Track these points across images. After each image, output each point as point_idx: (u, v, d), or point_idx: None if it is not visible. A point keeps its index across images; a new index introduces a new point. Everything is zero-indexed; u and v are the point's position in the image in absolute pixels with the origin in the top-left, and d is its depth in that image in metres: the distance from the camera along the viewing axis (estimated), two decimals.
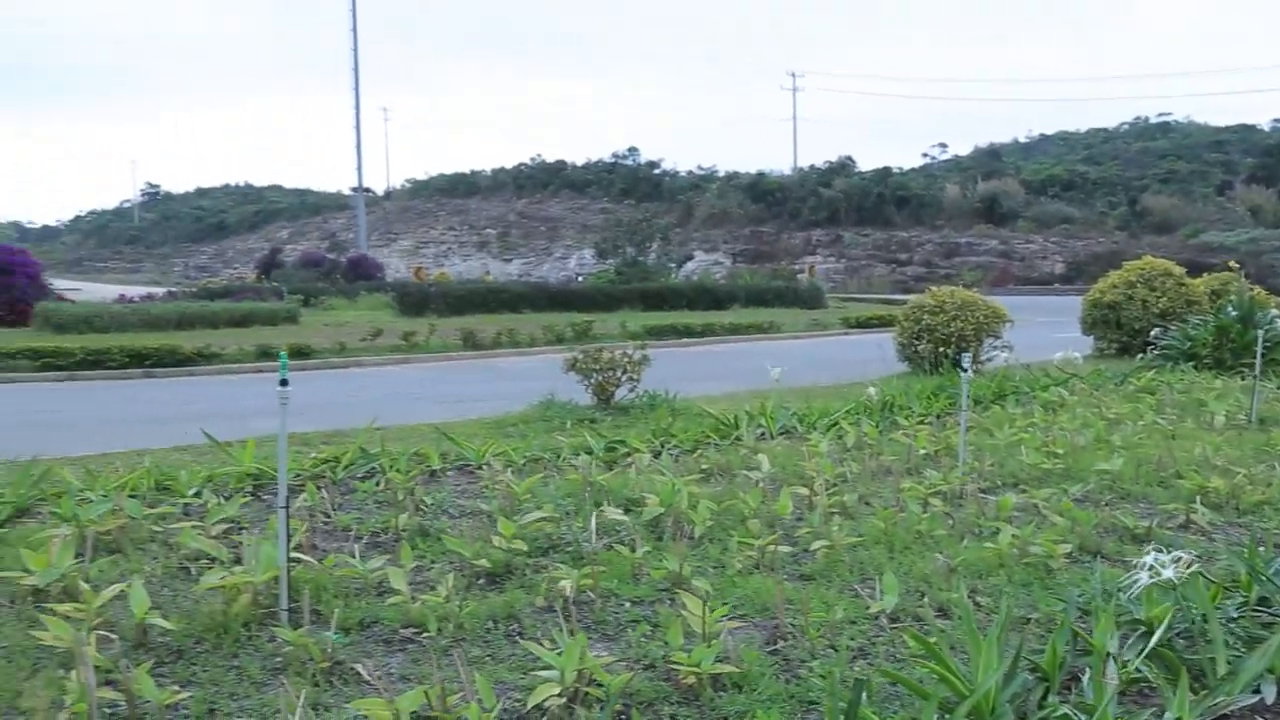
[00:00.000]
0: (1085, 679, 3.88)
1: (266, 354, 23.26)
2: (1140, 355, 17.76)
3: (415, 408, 14.07)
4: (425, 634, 4.69)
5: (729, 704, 3.92)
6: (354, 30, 75.39)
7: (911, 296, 21.48)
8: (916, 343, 17.33)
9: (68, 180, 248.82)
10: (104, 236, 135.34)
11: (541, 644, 4.20)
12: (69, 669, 4.14)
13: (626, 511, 6.47)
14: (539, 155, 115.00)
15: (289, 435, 10.45)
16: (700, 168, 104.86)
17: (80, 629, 4.32)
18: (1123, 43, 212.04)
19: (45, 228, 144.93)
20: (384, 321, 33.04)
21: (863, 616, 4.81)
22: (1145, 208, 79.10)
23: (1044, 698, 3.79)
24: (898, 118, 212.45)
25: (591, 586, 5.06)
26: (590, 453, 8.54)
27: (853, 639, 4.57)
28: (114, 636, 4.50)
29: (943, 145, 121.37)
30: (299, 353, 23.61)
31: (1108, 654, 3.91)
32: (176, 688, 4.01)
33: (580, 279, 62.02)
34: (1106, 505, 7.07)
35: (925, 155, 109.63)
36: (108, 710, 3.85)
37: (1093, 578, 5.20)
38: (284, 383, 4.81)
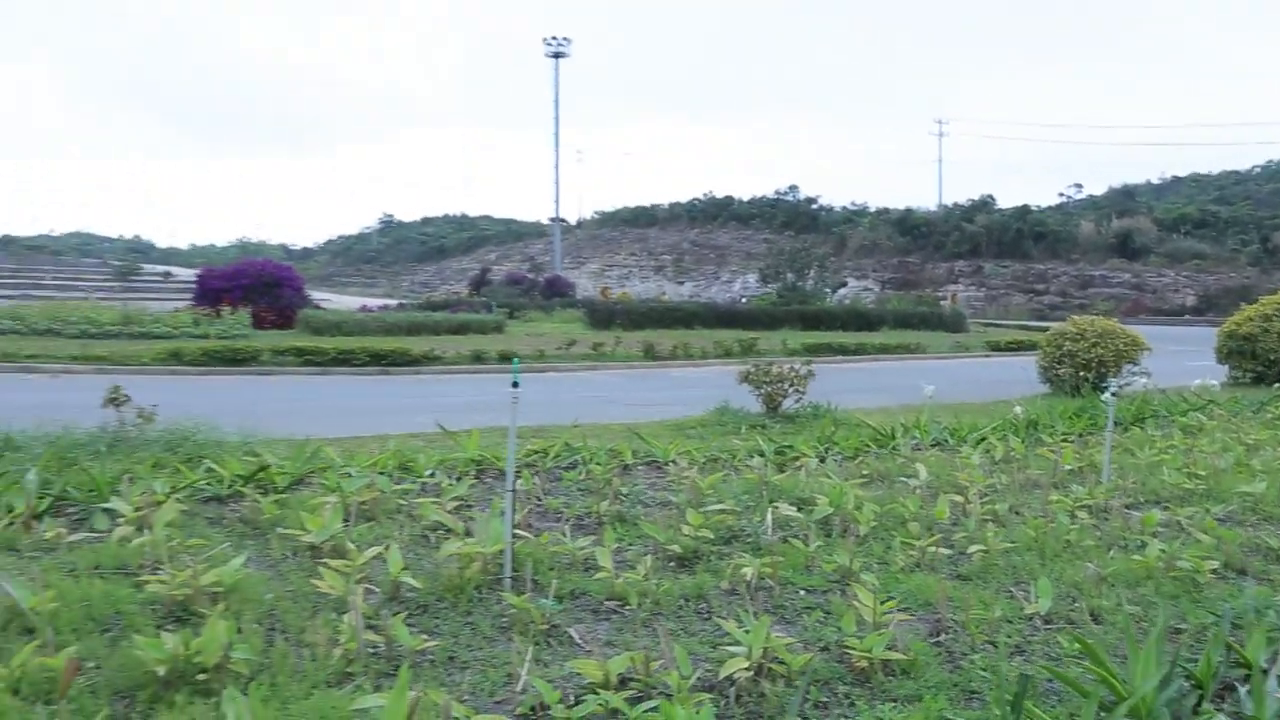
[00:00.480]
0: (1243, 691, 3.64)
1: (479, 358, 23.95)
2: (1276, 384, 16.70)
3: (605, 409, 14.26)
4: (627, 606, 4.74)
5: (898, 688, 3.85)
6: (555, 84, 77.36)
7: (1050, 324, 20.69)
8: (1058, 366, 16.67)
9: (322, 210, 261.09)
10: (348, 257, 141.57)
11: (729, 622, 4.22)
12: (340, 613, 4.36)
13: (799, 509, 6.41)
14: (710, 191, 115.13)
15: (505, 428, 10.76)
16: (853, 204, 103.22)
17: (348, 581, 4.54)
18: (1255, 89, 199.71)
19: (304, 249, 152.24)
20: (576, 333, 33.60)
21: (1018, 617, 4.65)
22: (1277, 245, 74.34)
23: (1198, 705, 3.61)
24: (1036, 159, 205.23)
25: (770, 574, 5.03)
26: (762, 455, 8.49)
27: (1009, 637, 4.41)
28: (374, 589, 4.70)
29: (1078, 185, 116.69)
30: (506, 358, 24.21)
31: (1263, 669, 3.67)
32: (425, 636, 4.16)
33: (745, 300, 61.79)
34: (1250, 526, 6.66)
35: (1061, 195, 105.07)
36: (370, 649, 4.02)
37: (1243, 594, 4.91)
38: (515, 384, 4.96)
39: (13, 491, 6.09)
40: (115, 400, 8.01)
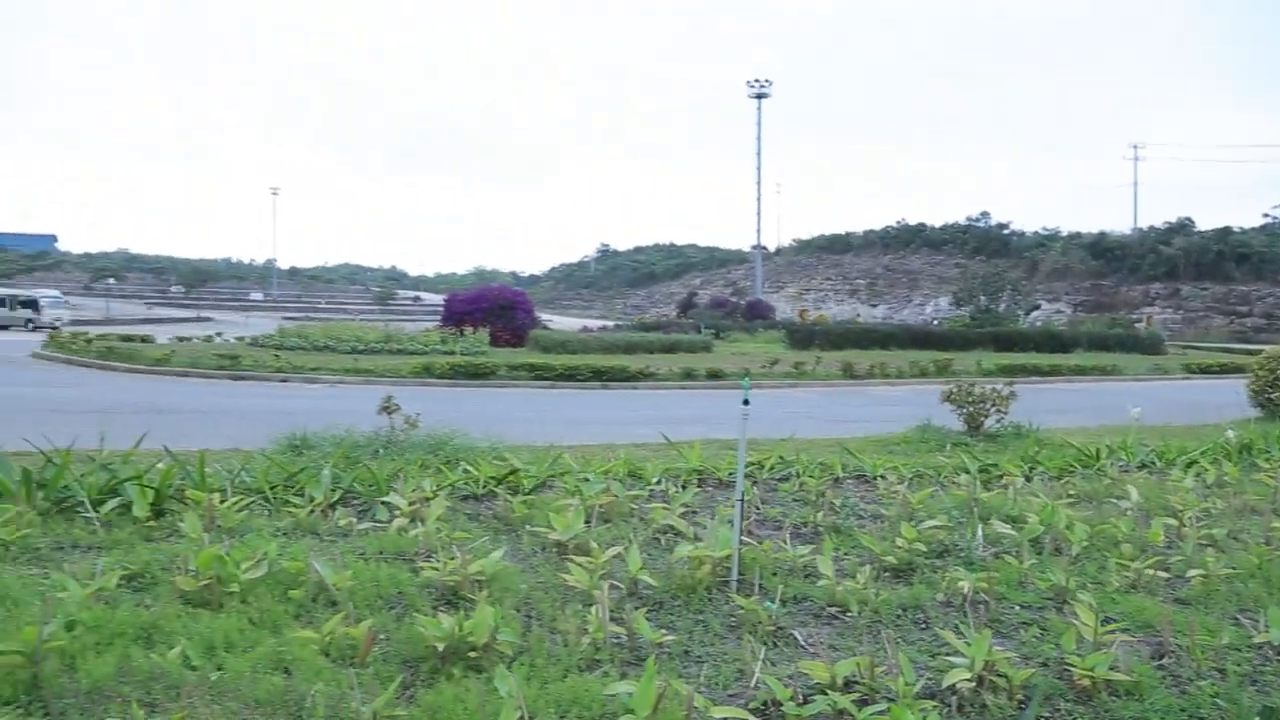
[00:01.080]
0: None
1: (689, 375, 24.14)
2: None
3: (808, 424, 14.09)
4: (847, 613, 4.65)
5: (1123, 709, 3.59)
6: (758, 123, 77.50)
7: (1255, 347, 18.92)
8: (1271, 390, 15.28)
9: (546, 240, 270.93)
10: (569, 282, 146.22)
11: (948, 633, 4.07)
12: (587, 605, 4.48)
13: (1010, 526, 6.10)
14: (903, 219, 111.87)
15: (722, 440, 10.78)
16: (1044, 228, 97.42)
17: (593, 577, 4.66)
18: None
19: (531, 276, 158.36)
20: (778, 353, 33.36)
21: (1246, 645, 4.25)
22: None
23: None
24: (1237, 181, 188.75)
25: (986, 590, 4.82)
26: (968, 472, 8.16)
27: (1239, 666, 4.04)
28: (617, 585, 4.80)
29: None
30: (714, 375, 24.32)
31: None
32: (663, 631, 4.21)
33: (937, 323, 59.68)
34: None
35: (1266, 215, 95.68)
36: (615, 640, 4.10)
37: None
38: (746, 402, 4.96)
39: (312, 484, 6.60)
40: (388, 409, 8.55)
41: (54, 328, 39.24)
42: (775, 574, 5.15)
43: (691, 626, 4.44)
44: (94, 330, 34.67)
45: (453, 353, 28.25)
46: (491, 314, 36.41)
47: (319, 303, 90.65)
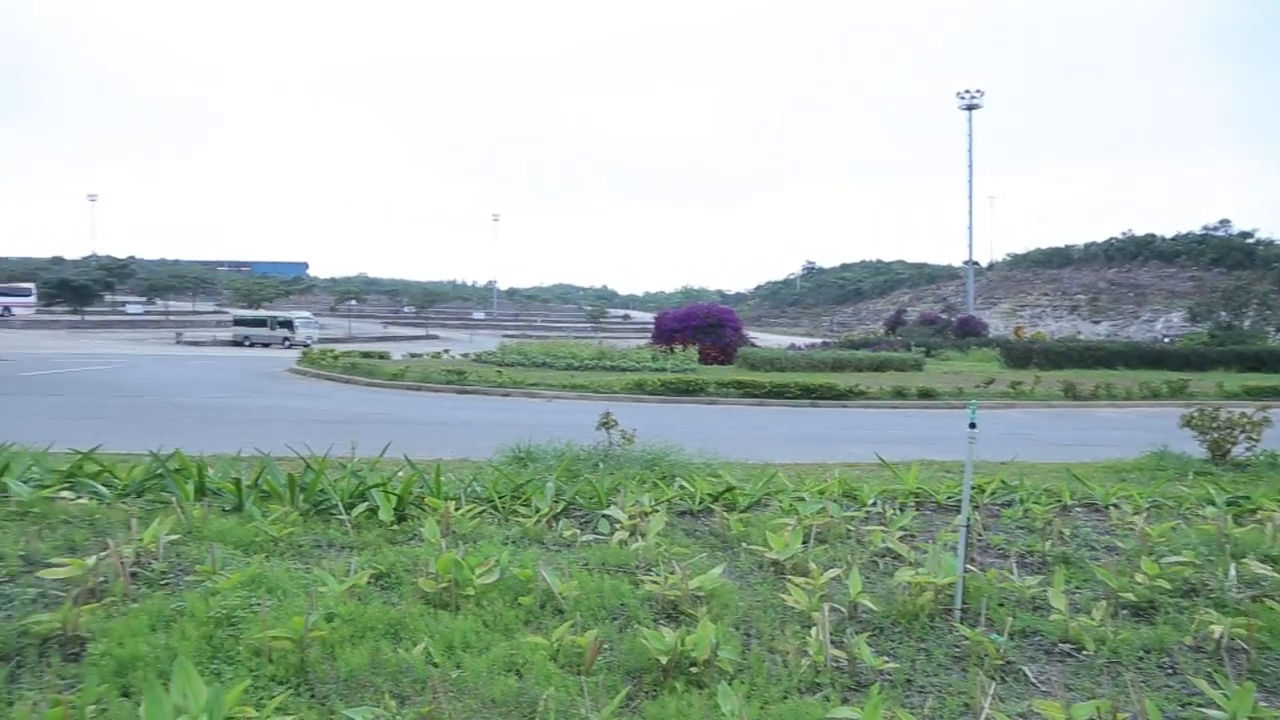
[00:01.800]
0: None
1: (900, 393, 23.40)
2: None
3: (1028, 447, 13.30)
4: (1082, 651, 4.33)
5: None
6: (969, 135, 74.44)
7: None
8: None
9: (751, 259, 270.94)
10: (775, 300, 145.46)
11: (1201, 681, 3.71)
12: (805, 626, 4.41)
13: (1272, 567, 5.51)
14: (1129, 230, 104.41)
15: (939, 462, 10.38)
16: None
17: (812, 598, 4.58)
18: None
19: (737, 293, 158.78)
20: (992, 371, 31.83)
21: None
22: None
23: None
24: None
25: (1244, 636, 4.36)
26: (1213, 504, 7.46)
27: None
28: (837, 608, 4.69)
29: None
30: (926, 394, 23.47)
31: None
32: (885, 658, 4.08)
33: (1169, 340, 55.13)
34: None
35: None
36: (834, 664, 4.01)
37: None
38: (972, 425, 4.74)
39: (538, 496, 6.86)
40: (606, 425, 8.77)
41: (306, 345, 42.91)
42: (1002, 605, 4.88)
43: (914, 655, 4.28)
44: (339, 347, 37.64)
45: (663, 369, 28.68)
46: (700, 331, 36.73)
47: (535, 321, 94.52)
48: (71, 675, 3.70)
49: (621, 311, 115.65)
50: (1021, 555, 6.06)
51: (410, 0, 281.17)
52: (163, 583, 4.82)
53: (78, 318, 67.66)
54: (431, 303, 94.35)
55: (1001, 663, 4.17)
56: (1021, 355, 37.12)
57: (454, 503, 6.43)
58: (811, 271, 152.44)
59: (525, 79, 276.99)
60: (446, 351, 40.27)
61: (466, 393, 23.73)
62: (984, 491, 7.90)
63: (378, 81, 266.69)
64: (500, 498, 6.95)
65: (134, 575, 4.81)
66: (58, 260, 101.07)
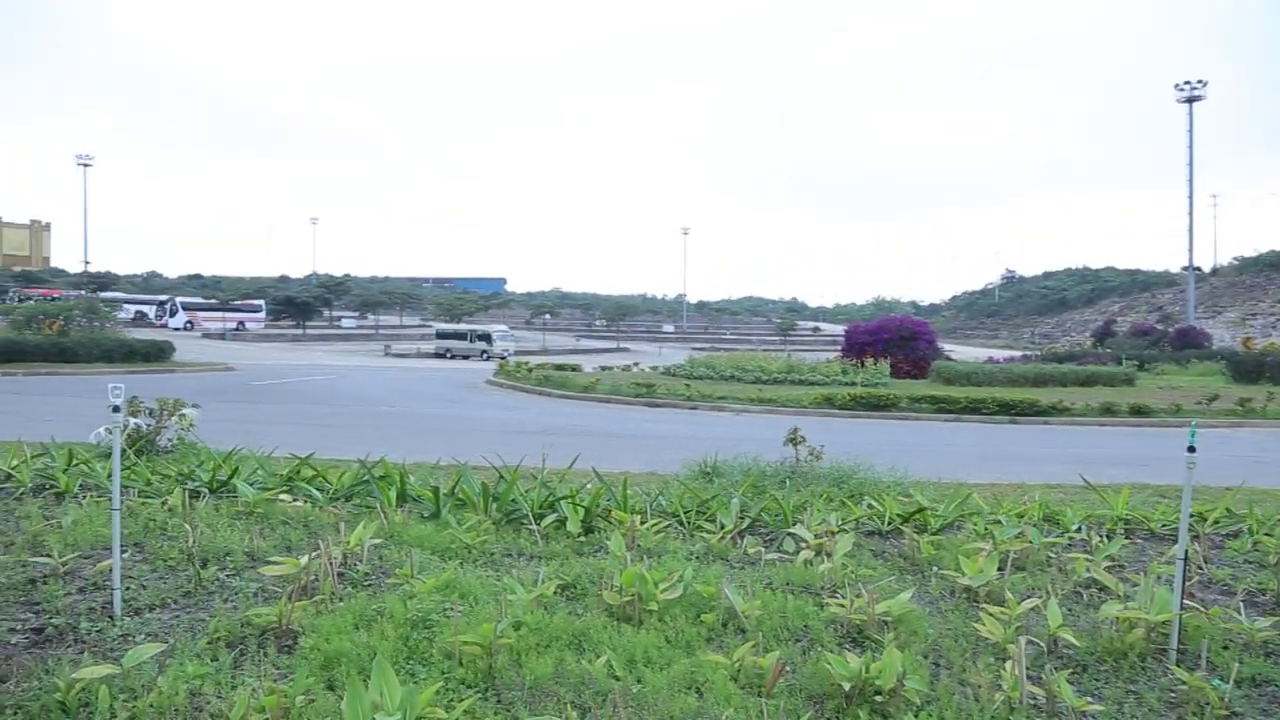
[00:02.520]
0: None
1: (1109, 410, 21.89)
2: None
3: (1259, 471, 12.14)
4: None
5: None
6: (1190, 129, 68.85)
7: None
8: None
9: (945, 268, 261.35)
10: (971, 311, 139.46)
11: None
12: (1000, 659, 4.18)
13: None
14: None
15: (1152, 485, 9.64)
16: None
17: (1008, 629, 4.34)
18: None
19: (930, 305, 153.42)
20: (1216, 386, 29.28)
21: None
22: None
23: None
24: None
25: None
26: None
27: None
28: (1034, 641, 4.42)
29: None
30: (1138, 411, 21.88)
31: None
32: (1088, 698, 3.80)
33: None
34: None
35: None
36: (1031, 700, 3.77)
37: None
38: (1191, 449, 4.37)
39: (723, 511, 6.85)
40: (794, 441, 8.65)
41: (503, 358, 44.75)
42: (1226, 648, 4.45)
43: (1121, 697, 3.96)
44: (533, 360, 39.04)
45: (853, 383, 28.07)
46: (892, 344, 35.77)
47: (724, 334, 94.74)
48: (285, 666, 3.98)
49: (811, 324, 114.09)
50: (1250, 593, 5.52)
51: (584, 19, 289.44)
52: (366, 584, 5.12)
53: (300, 331, 73.34)
54: (622, 316, 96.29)
55: (1226, 714, 3.80)
56: (1251, 369, 33.90)
57: (640, 516, 6.51)
58: (1011, 280, 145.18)
59: (715, 95, 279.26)
60: (636, 364, 40.97)
61: (655, 406, 24.03)
62: (1205, 520, 7.25)
63: (579, 101, 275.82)
64: (685, 513, 6.97)
65: (340, 575, 5.14)
66: (284, 279, 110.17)
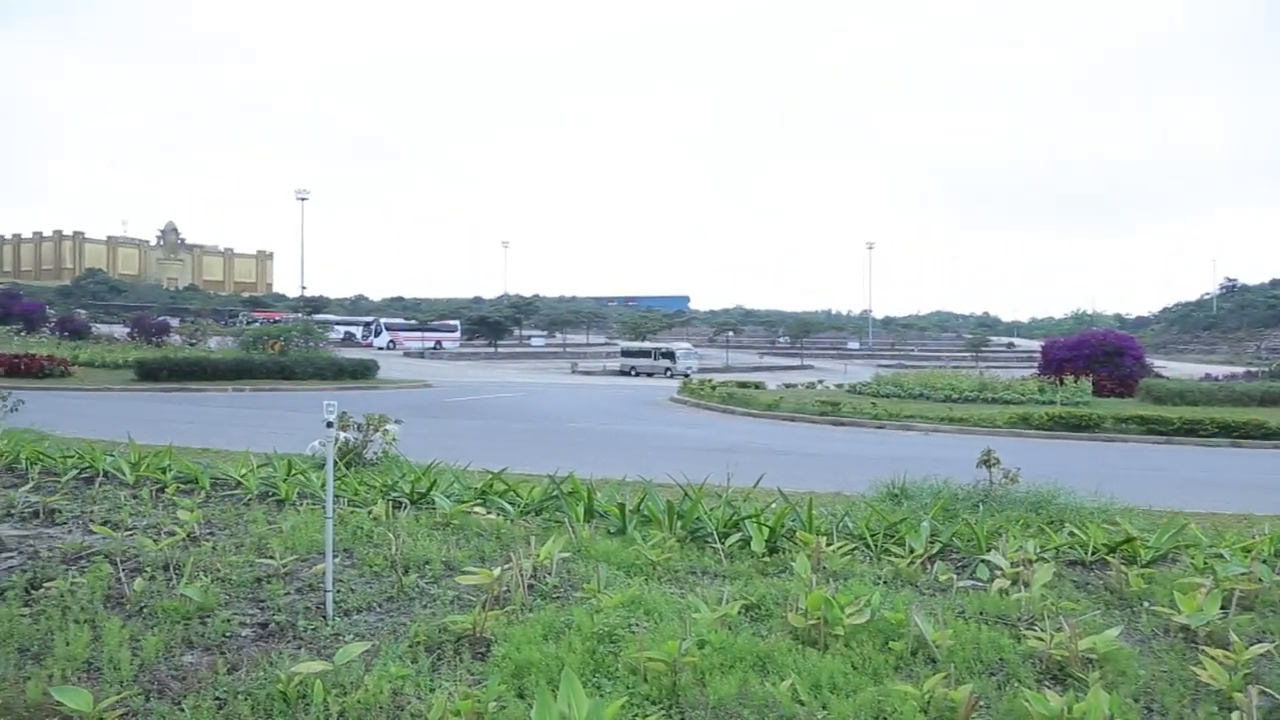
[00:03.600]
0: None
1: None
2: None
3: None
4: None
5: None
6: None
7: None
8: None
9: (1154, 279, 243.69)
10: (1185, 324, 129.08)
11: None
12: (1224, 709, 3.83)
13: None
14: None
15: None
16: None
17: (1233, 676, 3.97)
18: None
19: (1138, 318, 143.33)
20: None
21: None
22: None
23: None
24: None
25: None
26: None
27: None
28: (1267, 692, 4.02)
29: None
30: None
31: None
32: None
33: None
34: None
35: None
36: None
37: None
38: None
39: (912, 535, 6.62)
40: (987, 462, 8.27)
41: (686, 375, 45.14)
42: None
43: None
44: (716, 377, 39.13)
45: (1052, 402, 26.60)
46: (1094, 361, 33.68)
47: (911, 350, 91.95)
48: (478, 672, 4.13)
49: (1004, 340, 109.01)
50: None
51: (752, 44, 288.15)
52: (554, 596, 5.26)
53: (492, 349, 76.58)
54: (806, 333, 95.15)
55: None
56: None
57: (825, 538, 6.39)
58: (1232, 290, 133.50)
59: (902, 110, 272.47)
60: (820, 382, 40.36)
61: (840, 424, 23.59)
62: None
63: (768, 123, 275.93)
64: (872, 535, 6.79)
65: (530, 587, 5.30)
66: (477, 300, 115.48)
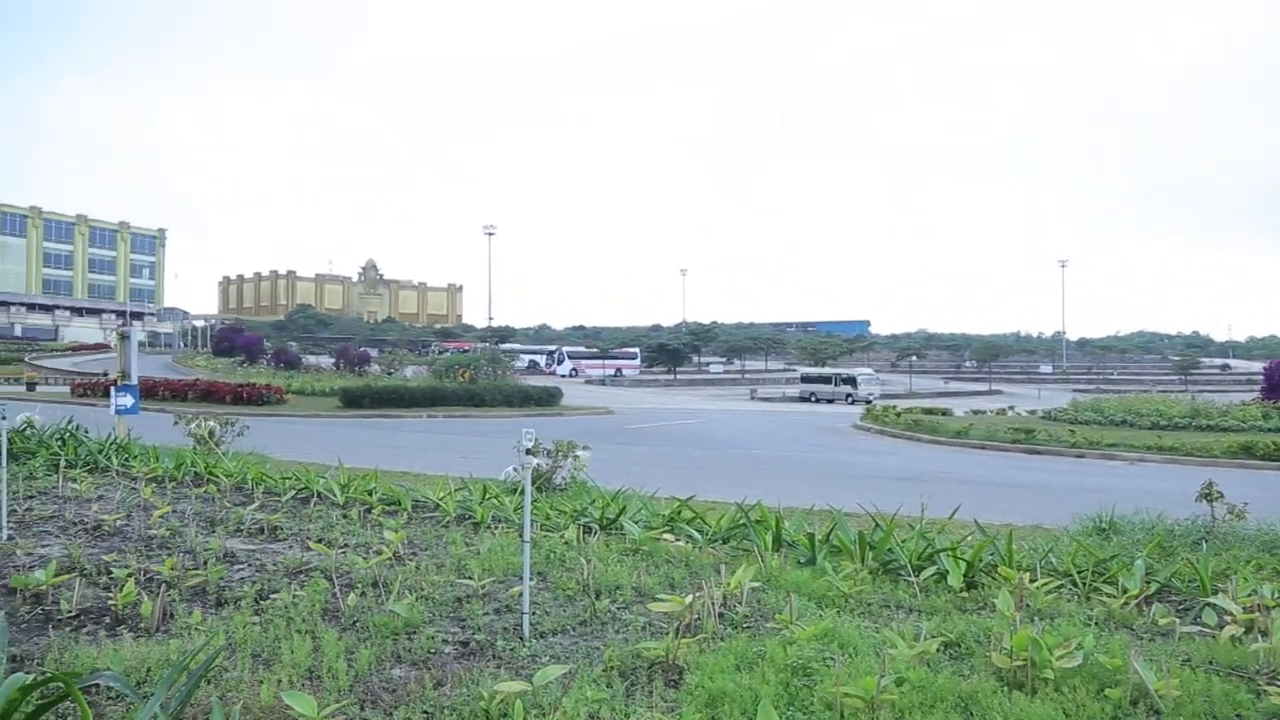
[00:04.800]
0: None
1: None
2: None
3: None
4: None
5: None
6: None
7: None
8: None
9: None
10: None
11: None
12: None
13: None
14: None
15: None
16: None
17: None
18: None
19: None
20: None
21: None
22: None
23: None
24: None
25: None
26: None
27: None
28: None
29: None
30: None
31: None
32: None
33: None
34: None
35: None
36: None
37: None
38: None
39: (1125, 574, 6.18)
40: (1209, 495, 7.63)
41: (868, 401, 44.09)
42: None
43: None
44: (900, 404, 38.00)
45: (1278, 430, 24.30)
46: None
47: (1110, 373, 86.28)
48: (671, 699, 4.14)
49: (1218, 361, 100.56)
50: None
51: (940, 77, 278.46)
52: (745, 625, 5.21)
53: (670, 376, 77.25)
54: (994, 357, 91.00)
55: None
56: None
57: (1028, 574, 6.04)
58: None
59: (1108, 120, 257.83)
60: (1011, 408, 38.46)
61: (1035, 453, 22.40)
62: None
63: (936, 143, 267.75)
64: (1079, 572, 6.38)
65: (720, 615, 5.28)
66: (656, 328, 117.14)
